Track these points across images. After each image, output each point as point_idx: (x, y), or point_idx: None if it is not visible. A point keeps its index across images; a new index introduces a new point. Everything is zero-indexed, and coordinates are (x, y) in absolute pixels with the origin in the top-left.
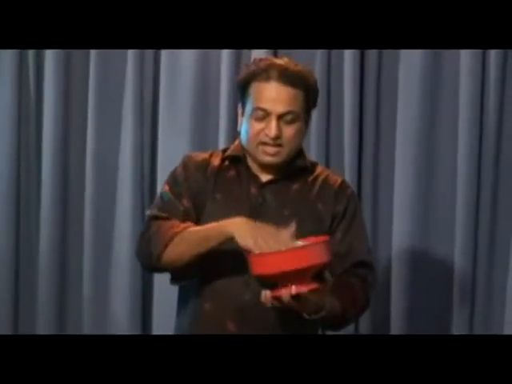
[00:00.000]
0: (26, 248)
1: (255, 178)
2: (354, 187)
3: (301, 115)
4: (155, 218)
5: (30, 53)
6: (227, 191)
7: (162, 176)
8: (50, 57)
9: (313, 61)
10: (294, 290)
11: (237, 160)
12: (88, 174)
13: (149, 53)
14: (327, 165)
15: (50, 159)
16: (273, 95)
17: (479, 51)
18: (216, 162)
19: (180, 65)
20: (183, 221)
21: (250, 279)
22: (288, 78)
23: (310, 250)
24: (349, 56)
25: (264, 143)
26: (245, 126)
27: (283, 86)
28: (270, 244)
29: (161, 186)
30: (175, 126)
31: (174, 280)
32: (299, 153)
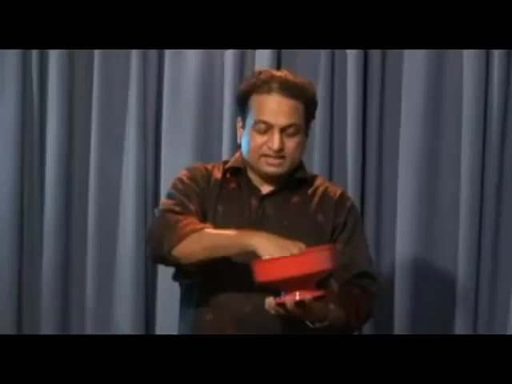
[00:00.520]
0: (29, 254)
1: (256, 189)
2: (357, 193)
3: (302, 127)
4: (169, 210)
5: (34, 53)
6: (228, 203)
7: (165, 188)
8: (54, 58)
9: (316, 61)
10: (298, 296)
11: (237, 172)
12: (91, 186)
13: (152, 64)
14: (330, 168)
15: (54, 169)
16: (274, 107)
17: (483, 51)
18: (218, 174)
19: (183, 75)
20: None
21: (250, 291)
22: (289, 90)
23: (314, 257)
24: (352, 56)
25: (266, 155)
26: (246, 139)
27: (284, 98)
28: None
29: (164, 194)
30: (178, 137)
31: (178, 276)
32: (299, 165)
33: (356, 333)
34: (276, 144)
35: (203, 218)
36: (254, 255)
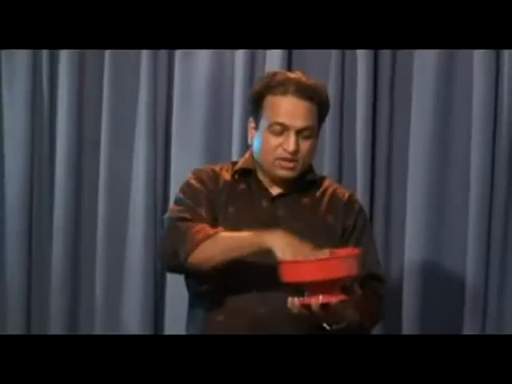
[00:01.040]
0: (39, 252)
1: (266, 191)
2: (366, 194)
3: (315, 130)
4: (179, 219)
5: (44, 53)
6: (239, 204)
7: (174, 188)
8: (64, 59)
9: (327, 61)
10: (323, 299)
11: (247, 173)
12: (101, 186)
13: (162, 64)
14: (340, 168)
15: (63, 169)
16: (290, 109)
17: (493, 51)
18: (227, 175)
19: (193, 75)
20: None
21: (265, 293)
22: (304, 92)
23: (343, 262)
24: (362, 56)
25: (281, 158)
26: (259, 140)
27: (300, 101)
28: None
29: (173, 197)
30: (188, 138)
31: (194, 284)
32: (309, 167)
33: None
34: (292, 146)
35: (213, 221)
36: (269, 254)
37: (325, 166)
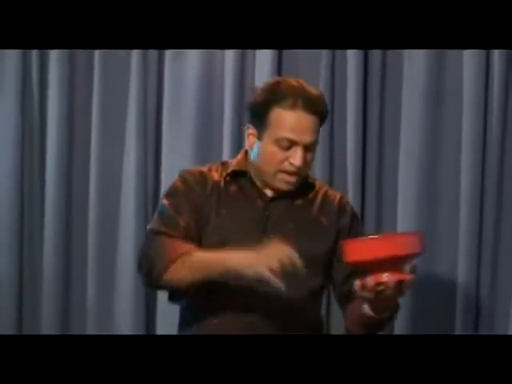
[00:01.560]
0: (31, 252)
1: (261, 193)
2: (357, 193)
3: (317, 141)
4: (157, 233)
5: (34, 53)
6: (232, 206)
7: (165, 188)
8: (54, 59)
9: (317, 61)
10: (396, 276)
11: (239, 175)
12: (92, 185)
13: (153, 64)
14: (330, 167)
15: (54, 169)
16: (299, 125)
17: (483, 51)
18: (216, 176)
19: (183, 75)
20: (184, 237)
21: (256, 300)
22: (312, 106)
23: (412, 238)
24: (353, 56)
25: (284, 171)
26: (261, 150)
27: (309, 116)
28: (274, 259)
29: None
30: (179, 138)
31: (171, 298)
32: None
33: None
34: (299, 161)
35: (201, 227)
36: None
37: (316, 166)
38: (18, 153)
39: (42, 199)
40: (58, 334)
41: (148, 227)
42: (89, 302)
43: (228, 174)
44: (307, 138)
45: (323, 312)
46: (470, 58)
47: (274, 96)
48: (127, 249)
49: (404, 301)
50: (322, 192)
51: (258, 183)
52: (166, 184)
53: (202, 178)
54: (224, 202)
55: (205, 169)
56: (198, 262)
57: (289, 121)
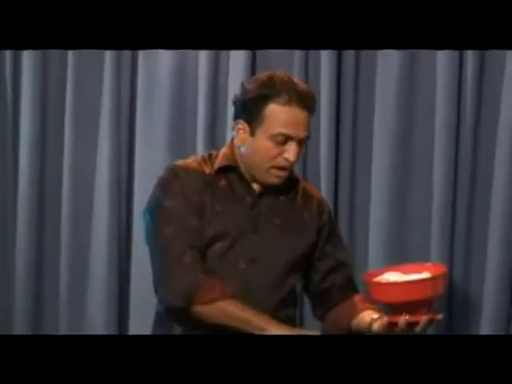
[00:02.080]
0: (2, 253)
1: (249, 188)
2: (330, 193)
3: (310, 136)
4: (180, 246)
5: (8, 53)
6: (223, 202)
7: (139, 185)
8: (28, 59)
9: (291, 61)
10: (411, 318)
11: (227, 169)
12: (65, 183)
13: (126, 63)
14: (304, 169)
15: (27, 168)
16: (295, 120)
17: (456, 52)
18: (206, 169)
19: (158, 66)
20: (196, 242)
21: (246, 289)
22: (306, 102)
23: (434, 282)
24: (326, 56)
25: (278, 167)
26: (255, 146)
27: (303, 111)
28: None
29: (138, 195)
30: (152, 136)
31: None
32: None
33: None
34: (294, 156)
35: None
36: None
37: None
38: None
39: (15, 198)
40: (31, 334)
41: (159, 228)
42: (61, 300)
43: (217, 169)
44: (302, 133)
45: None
46: (443, 59)
47: (268, 91)
48: (100, 245)
49: None
50: (301, 188)
51: (247, 177)
52: (139, 179)
53: (196, 172)
54: (216, 199)
55: (195, 163)
56: (238, 317)
57: (284, 116)
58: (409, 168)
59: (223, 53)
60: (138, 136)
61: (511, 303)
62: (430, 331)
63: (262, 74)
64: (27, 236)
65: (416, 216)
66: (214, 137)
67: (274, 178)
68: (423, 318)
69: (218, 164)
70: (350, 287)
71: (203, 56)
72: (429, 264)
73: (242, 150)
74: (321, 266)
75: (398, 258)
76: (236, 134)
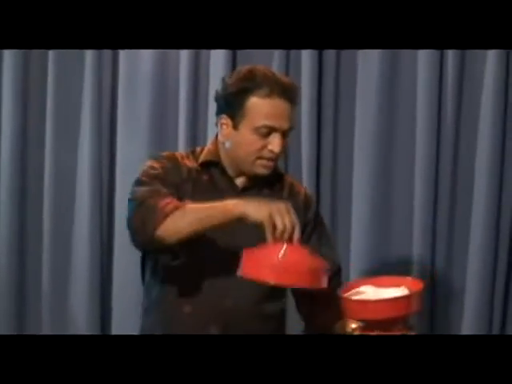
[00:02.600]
0: None
1: (231, 183)
2: (311, 192)
3: (293, 127)
4: (149, 196)
5: None
6: (204, 195)
7: (120, 181)
8: (8, 58)
9: (271, 61)
10: (385, 332)
11: (210, 164)
12: (46, 180)
13: (107, 62)
14: (285, 167)
15: (8, 166)
16: (277, 112)
17: (437, 51)
18: (189, 163)
19: (138, 66)
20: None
21: (231, 283)
22: (287, 93)
23: (410, 300)
24: (307, 56)
25: (264, 158)
26: (239, 139)
27: (285, 102)
28: (283, 217)
29: (120, 192)
30: (133, 134)
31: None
32: None
33: None
34: (278, 148)
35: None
36: (241, 221)
37: None
38: None
39: None
40: (13, 334)
41: (133, 196)
42: (43, 296)
43: (200, 164)
44: (285, 124)
45: None
46: (423, 58)
47: (249, 84)
48: (82, 241)
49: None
50: (287, 184)
51: (230, 173)
52: (120, 181)
53: (177, 163)
54: (197, 192)
55: (178, 155)
56: (197, 211)
57: (267, 108)
58: (390, 167)
59: (203, 54)
60: (120, 132)
61: (493, 303)
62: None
63: (242, 68)
64: (8, 233)
65: (398, 216)
66: (195, 134)
67: (262, 168)
68: (395, 332)
69: (201, 159)
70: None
71: (184, 55)
72: (408, 278)
73: (227, 144)
74: None
75: (379, 258)
76: (220, 129)
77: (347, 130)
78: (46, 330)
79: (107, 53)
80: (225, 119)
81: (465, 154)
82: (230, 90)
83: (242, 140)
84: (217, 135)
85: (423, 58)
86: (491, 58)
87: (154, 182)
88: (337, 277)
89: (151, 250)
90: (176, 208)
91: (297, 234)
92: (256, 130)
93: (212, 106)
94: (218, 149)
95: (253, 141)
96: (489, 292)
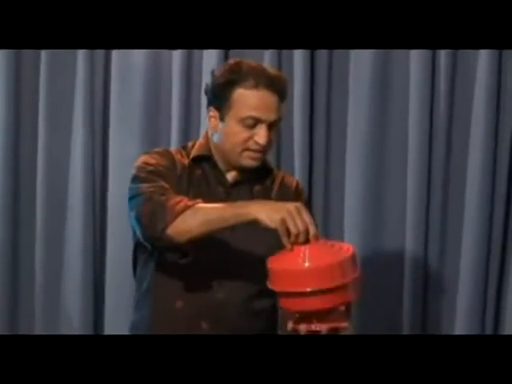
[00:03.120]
0: None
1: (222, 178)
2: (304, 179)
3: (281, 119)
4: (155, 193)
5: None
6: (197, 189)
7: (113, 176)
8: (0, 58)
9: (264, 61)
10: (331, 326)
11: (202, 159)
12: (39, 175)
13: (100, 54)
14: (278, 166)
15: (1, 161)
16: (263, 103)
17: (429, 51)
18: (183, 159)
19: (131, 66)
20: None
21: (223, 277)
22: (274, 84)
23: (349, 288)
24: (299, 56)
25: (251, 150)
26: (226, 131)
27: (271, 94)
28: (295, 219)
29: (112, 187)
30: (126, 126)
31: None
32: None
33: None
34: (264, 139)
35: None
36: (253, 223)
37: None
38: None
39: None
40: (6, 334)
41: (136, 192)
42: (37, 295)
43: (192, 159)
44: (271, 116)
45: None
46: (415, 58)
47: (235, 76)
48: (74, 247)
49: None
50: (279, 178)
51: (221, 167)
52: (113, 176)
53: (172, 159)
54: (192, 186)
55: (171, 151)
56: (209, 212)
57: (252, 100)
58: (383, 166)
59: (196, 52)
60: (112, 130)
61: (486, 302)
62: (406, 331)
63: (230, 61)
64: (1, 231)
65: (390, 214)
66: (188, 132)
67: (249, 159)
68: (323, 328)
69: (193, 153)
70: None
71: (177, 55)
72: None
73: (215, 137)
74: None
75: (372, 256)
76: (208, 121)
77: (340, 129)
78: (39, 329)
79: (99, 52)
80: (213, 111)
81: (457, 153)
82: (217, 82)
83: (229, 131)
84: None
85: (415, 57)
86: (483, 58)
87: (155, 178)
88: None
89: (160, 247)
90: (187, 207)
91: (312, 231)
92: (242, 121)
93: (205, 105)
94: (209, 143)
95: (238, 132)
96: (482, 291)
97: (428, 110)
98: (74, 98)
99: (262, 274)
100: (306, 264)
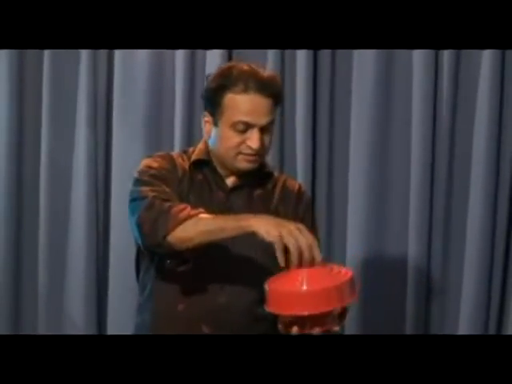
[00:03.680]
0: None
1: (222, 182)
2: (307, 182)
3: (274, 122)
4: (157, 198)
5: None
6: (198, 194)
7: (116, 177)
8: (3, 58)
9: (267, 61)
10: (323, 329)
11: (202, 164)
12: (42, 176)
13: (102, 54)
14: (281, 167)
15: (5, 166)
16: (253, 107)
17: (432, 51)
18: (184, 164)
19: (134, 66)
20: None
21: (224, 281)
22: (264, 88)
23: (342, 290)
24: (302, 56)
25: (244, 153)
26: (219, 136)
27: (262, 98)
28: (297, 238)
29: (115, 188)
30: (129, 127)
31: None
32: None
33: None
34: (256, 144)
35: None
36: (252, 236)
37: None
38: None
39: None
40: (9, 333)
41: (138, 196)
42: (40, 295)
43: (191, 164)
44: (262, 120)
45: None
46: (418, 58)
47: (225, 81)
48: (78, 242)
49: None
50: (281, 182)
51: (221, 171)
52: (116, 177)
53: (174, 163)
54: (192, 190)
55: (173, 155)
56: (210, 222)
57: (242, 104)
58: (386, 166)
59: (200, 52)
60: (115, 132)
61: (490, 303)
62: (408, 332)
63: (222, 65)
64: (4, 232)
65: (394, 216)
66: (191, 133)
67: (244, 162)
68: (315, 331)
69: (193, 158)
70: None
71: (180, 55)
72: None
73: (211, 142)
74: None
75: (375, 257)
76: (204, 126)
77: (343, 129)
78: (42, 329)
79: (103, 53)
80: (207, 116)
81: (460, 154)
82: (209, 87)
83: (222, 136)
84: None
85: (418, 57)
86: (486, 58)
87: (156, 182)
88: None
89: (158, 253)
90: (190, 216)
91: (316, 254)
92: (233, 125)
93: None
94: (208, 147)
95: (231, 137)
96: (485, 292)
97: (431, 110)
98: (77, 98)
99: (263, 280)
100: (304, 287)
